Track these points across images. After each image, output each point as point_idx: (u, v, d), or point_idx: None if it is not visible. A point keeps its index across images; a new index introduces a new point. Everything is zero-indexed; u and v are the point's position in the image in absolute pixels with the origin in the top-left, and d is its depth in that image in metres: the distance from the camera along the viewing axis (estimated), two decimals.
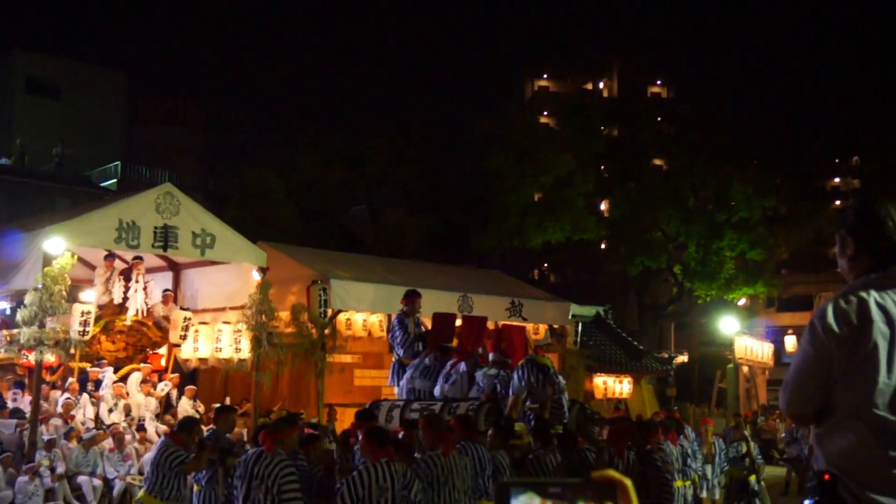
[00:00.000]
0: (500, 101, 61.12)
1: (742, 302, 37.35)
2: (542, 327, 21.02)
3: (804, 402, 3.16)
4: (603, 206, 39.28)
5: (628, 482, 1.41)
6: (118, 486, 14.16)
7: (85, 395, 15.95)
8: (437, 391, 11.09)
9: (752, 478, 12.54)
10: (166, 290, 17.89)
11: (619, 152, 35.24)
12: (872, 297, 2.97)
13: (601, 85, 68.93)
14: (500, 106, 57.39)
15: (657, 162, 38.74)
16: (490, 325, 12.82)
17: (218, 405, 12.08)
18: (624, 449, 8.90)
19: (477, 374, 10.79)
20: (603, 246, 39.24)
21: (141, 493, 8.59)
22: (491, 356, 11.02)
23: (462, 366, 11.07)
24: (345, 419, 15.96)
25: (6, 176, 33.20)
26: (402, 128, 33.97)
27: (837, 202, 59.63)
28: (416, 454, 7.70)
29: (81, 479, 14.03)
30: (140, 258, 16.73)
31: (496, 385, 10.46)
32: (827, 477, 3.03)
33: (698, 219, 32.66)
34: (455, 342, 11.81)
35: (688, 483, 11.10)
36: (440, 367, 11.29)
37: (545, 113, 58.38)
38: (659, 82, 68.72)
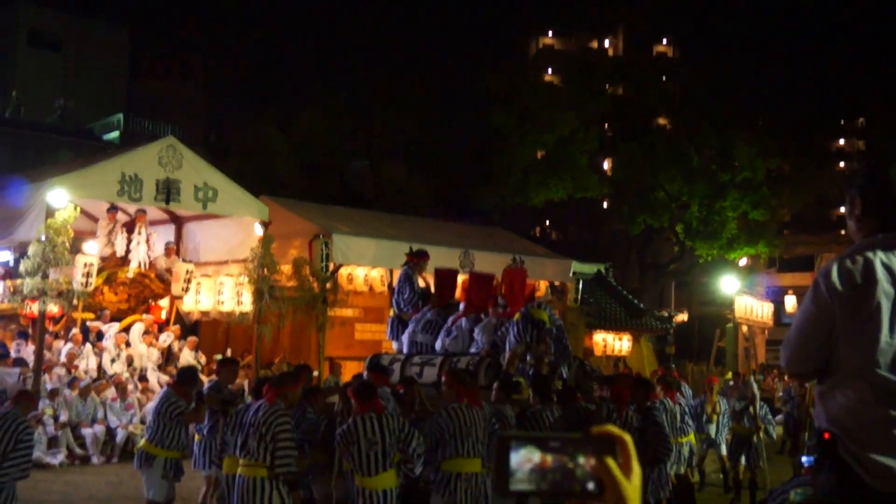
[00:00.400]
0: (505, 59, 60.63)
1: (743, 262, 37.37)
2: (544, 284, 21.07)
3: (804, 360, 3.18)
4: (606, 165, 39.18)
5: (628, 437, 1.41)
6: (120, 435, 14.32)
7: (88, 346, 16.06)
8: (437, 346, 11.15)
9: (756, 436, 12.51)
10: (169, 242, 17.92)
11: (623, 111, 35.05)
12: (878, 257, 2.97)
13: (606, 43, 68.37)
14: (504, 63, 56.97)
15: (661, 121, 38.54)
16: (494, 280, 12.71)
17: (221, 357, 12.18)
18: (624, 406, 8.96)
19: (476, 329, 10.82)
20: (605, 204, 39.22)
21: (142, 441, 8.66)
22: (491, 311, 11.03)
23: (463, 321, 11.12)
24: (346, 373, 16.06)
25: (9, 128, 33.09)
26: (404, 83, 33.75)
27: (842, 163, 59.52)
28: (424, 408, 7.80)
29: (85, 430, 14.18)
30: (143, 211, 16.75)
31: (495, 340, 10.50)
32: (827, 436, 3.05)
33: (701, 178, 32.55)
34: (462, 297, 11.81)
35: (684, 440, 11.18)
36: (442, 322, 11.33)
37: (549, 71, 57.98)
38: (665, 41, 68.14)
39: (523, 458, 1.38)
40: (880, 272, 2.94)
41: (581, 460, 1.38)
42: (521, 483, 1.38)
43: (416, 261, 12.14)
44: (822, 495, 3.12)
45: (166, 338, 17.29)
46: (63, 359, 15.34)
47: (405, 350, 11.45)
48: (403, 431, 7.19)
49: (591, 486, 1.37)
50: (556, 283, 21.76)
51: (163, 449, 8.12)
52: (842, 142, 65.32)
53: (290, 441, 7.05)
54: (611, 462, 1.38)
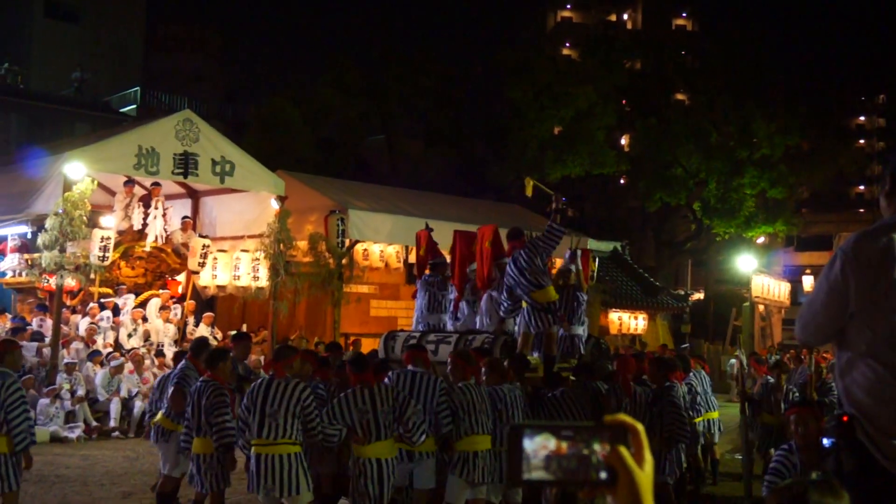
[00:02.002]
0: (522, 32, 60.24)
1: (761, 240, 37.19)
2: (558, 261, 21.01)
3: (815, 332, 3.20)
4: (623, 141, 38.96)
5: (640, 427, 1.40)
6: (137, 408, 14.41)
7: (105, 320, 16.14)
8: (450, 325, 11.16)
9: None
10: (185, 217, 17.96)
11: (642, 86, 34.83)
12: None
13: (625, 16, 67.77)
14: (521, 37, 56.58)
15: (679, 97, 38.26)
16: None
17: (234, 332, 12.20)
18: (630, 384, 9.00)
19: (482, 304, 10.78)
20: (622, 181, 39.02)
21: (159, 415, 8.69)
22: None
23: (463, 305, 11.12)
24: (364, 349, 16.11)
25: (26, 100, 33.17)
26: (421, 58, 33.60)
27: (861, 141, 58.99)
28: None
29: (113, 400, 14.29)
30: (158, 184, 16.76)
31: (502, 318, 10.48)
32: (846, 418, 3.04)
33: (719, 155, 32.36)
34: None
35: (697, 420, 11.11)
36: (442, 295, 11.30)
37: (567, 45, 57.59)
38: (684, 14, 67.51)
39: (539, 445, 1.37)
40: None
41: (597, 447, 1.37)
42: (535, 471, 1.37)
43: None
44: (841, 478, 3.13)
45: (176, 310, 17.30)
46: (81, 333, 15.43)
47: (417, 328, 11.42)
48: (397, 402, 7.25)
49: (603, 475, 1.37)
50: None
51: (174, 423, 8.14)
52: (862, 119, 64.75)
53: (317, 410, 7.14)
54: (624, 451, 1.37)
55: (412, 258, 20.10)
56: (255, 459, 6.92)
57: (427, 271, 11.59)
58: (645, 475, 1.38)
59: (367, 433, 7.19)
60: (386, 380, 7.73)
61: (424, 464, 7.65)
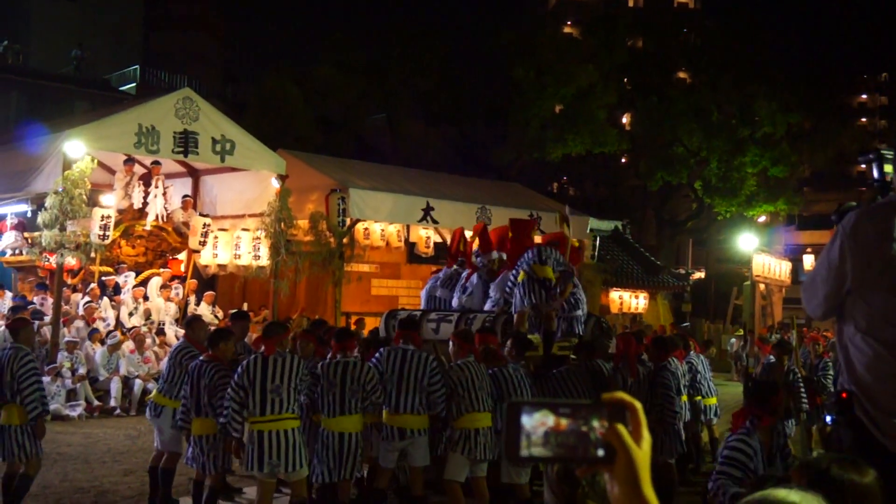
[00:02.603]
0: (524, 11, 59.97)
1: (762, 219, 37.16)
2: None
3: (817, 307, 3.27)
4: (624, 120, 38.85)
5: (638, 405, 1.40)
6: (137, 386, 14.46)
7: (105, 299, 16.17)
8: (454, 302, 11.18)
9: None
10: (186, 195, 17.94)
11: (643, 64, 34.67)
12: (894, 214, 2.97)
13: None
14: (523, 15, 56.34)
15: (681, 75, 38.11)
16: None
17: (235, 311, 12.19)
18: (635, 364, 9.05)
19: (491, 286, 10.83)
20: (623, 160, 38.96)
21: (154, 392, 8.72)
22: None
23: (475, 277, 11.13)
24: (365, 329, 16.14)
25: (25, 78, 33.07)
26: (423, 37, 33.46)
27: (863, 119, 58.82)
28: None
29: (113, 379, 14.34)
30: (158, 162, 16.71)
31: (507, 297, 10.50)
32: (845, 395, 3.06)
33: (721, 134, 32.27)
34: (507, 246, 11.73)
35: (698, 398, 11.11)
36: (458, 278, 11.36)
37: (569, 23, 57.34)
38: None
39: (538, 422, 1.38)
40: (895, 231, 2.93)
41: (595, 424, 1.37)
42: (534, 448, 1.37)
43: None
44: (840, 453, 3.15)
45: (177, 289, 17.33)
46: (81, 312, 15.45)
47: (423, 305, 11.46)
48: (366, 379, 7.33)
49: (601, 452, 1.37)
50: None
51: (172, 399, 8.14)
52: (864, 97, 64.55)
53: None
54: (622, 429, 1.38)
55: (413, 237, 20.18)
56: (258, 436, 6.88)
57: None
58: (643, 453, 1.39)
59: (332, 406, 7.38)
60: (376, 356, 7.80)
61: (418, 441, 7.68)
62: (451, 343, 8.02)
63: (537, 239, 11.86)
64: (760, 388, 6.21)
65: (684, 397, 10.18)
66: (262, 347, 7.13)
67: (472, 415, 7.60)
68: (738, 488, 4.93)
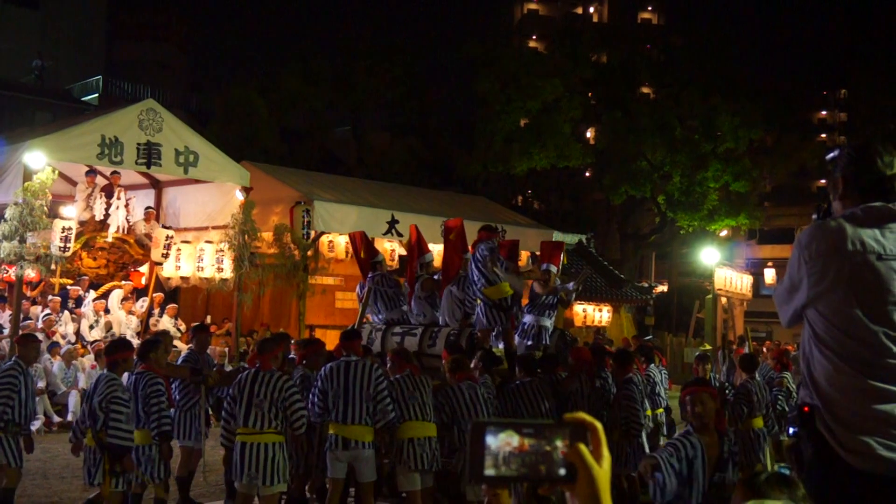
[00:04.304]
0: (489, 24, 60.30)
1: (724, 233, 37.56)
2: (525, 254, 21.09)
3: (784, 316, 3.29)
4: (589, 134, 39.15)
5: (599, 424, 1.43)
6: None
7: (66, 312, 15.95)
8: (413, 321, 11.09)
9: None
10: (148, 207, 17.77)
11: (608, 79, 34.97)
12: (850, 227, 3.02)
13: (591, 9, 68.07)
14: (488, 29, 56.66)
15: (645, 90, 38.49)
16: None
17: (195, 325, 12.10)
18: (592, 375, 9.13)
19: (443, 300, 10.76)
20: (587, 174, 39.20)
21: None
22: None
23: (414, 303, 11.01)
24: (327, 341, 16.05)
25: None
26: (389, 49, 33.50)
27: (823, 135, 59.71)
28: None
29: (71, 393, 14.13)
30: (118, 172, 16.52)
31: (467, 311, 10.49)
32: (806, 409, 3.09)
33: (684, 148, 32.60)
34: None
35: (659, 411, 11.20)
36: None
37: (534, 37, 57.75)
38: (650, 8, 67.91)
39: (502, 442, 1.39)
40: (850, 242, 2.98)
41: (559, 443, 1.40)
42: (498, 468, 1.39)
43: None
44: (801, 468, 3.20)
45: (142, 303, 17.18)
46: (40, 325, 15.23)
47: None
48: (286, 390, 7.25)
49: (562, 472, 1.39)
50: (538, 254, 21.75)
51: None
52: (824, 113, 65.51)
53: (301, 402, 7.31)
54: (583, 448, 1.40)
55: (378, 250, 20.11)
56: (240, 447, 7.06)
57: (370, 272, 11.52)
58: (603, 472, 1.41)
59: (338, 411, 7.53)
60: (321, 372, 7.83)
61: (363, 455, 7.65)
62: (388, 360, 8.24)
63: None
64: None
65: (648, 410, 10.25)
66: (258, 363, 7.29)
67: (406, 424, 7.71)
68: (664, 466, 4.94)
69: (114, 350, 7.41)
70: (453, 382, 8.06)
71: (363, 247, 11.69)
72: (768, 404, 10.28)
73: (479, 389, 8.07)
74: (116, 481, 7.09)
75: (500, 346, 10.15)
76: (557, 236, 23.31)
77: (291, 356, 9.40)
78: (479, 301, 10.18)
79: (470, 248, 10.64)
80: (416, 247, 11.45)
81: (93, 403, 7.04)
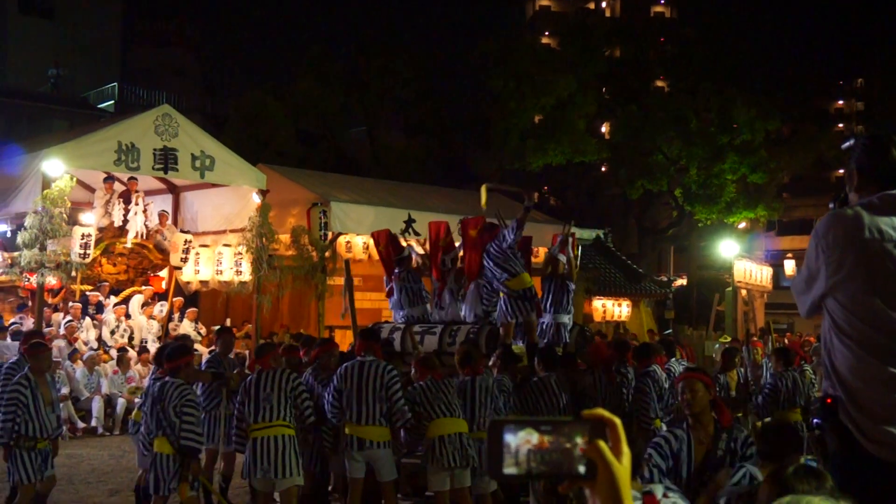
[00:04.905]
0: (501, 22, 60.23)
1: (742, 225, 37.35)
2: (542, 251, 21.05)
3: (802, 307, 3.28)
4: (604, 129, 38.97)
5: (617, 420, 1.42)
6: (120, 405, 14.36)
7: (87, 318, 16.06)
8: (435, 317, 11.15)
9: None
10: (162, 210, 17.86)
11: (621, 73, 34.82)
12: (867, 215, 3.00)
13: (603, 4, 67.76)
14: (500, 26, 56.62)
15: (659, 83, 38.29)
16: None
17: (218, 327, 12.15)
18: (602, 371, 9.11)
19: (462, 306, 10.80)
20: (603, 169, 39.07)
21: (136, 411, 8.77)
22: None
23: (446, 294, 11.09)
24: (345, 341, 16.09)
25: (2, 98, 32.86)
26: (401, 49, 33.49)
27: (840, 125, 59.28)
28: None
29: (94, 399, 14.22)
30: (135, 178, 16.63)
31: (486, 308, 10.53)
32: (829, 400, 3.07)
33: (700, 141, 32.41)
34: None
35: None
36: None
37: (546, 33, 57.51)
38: (662, 1, 67.57)
39: (522, 440, 1.40)
40: (867, 231, 2.97)
41: (578, 440, 1.39)
42: (518, 466, 1.39)
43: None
44: (825, 460, 3.18)
45: (161, 307, 17.26)
46: (62, 331, 15.34)
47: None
48: (293, 381, 7.39)
49: (582, 469, 1.39)
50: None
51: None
52: (840, 103, 65.03)
53: (307, 393, 7.49)
54: (602, 445, 1.40)
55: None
56: (252, 444, 7.14)
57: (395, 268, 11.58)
58: (623, 468, 1.40)
59: (351, 410, 7.57)
60: (338, 371, 7.85)
61: (380, 455, 7.67)
62: (412, 368, 8.21)
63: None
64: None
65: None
66: (258, 366, 7.44)
67: (435, 422, 7.67)
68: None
69: (174, 356, 7.38)
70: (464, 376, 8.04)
71: (388, 245, 11.74)
72: (807, 397, 10.16)
73: (487, 381, 8.02)
74: (190, 485, 7.15)
75: (520, 343, 10.14)
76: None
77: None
78: (501, 294, 10.20)
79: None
80: (441, 242, 11.48)
81: (167, 410, 7.00)
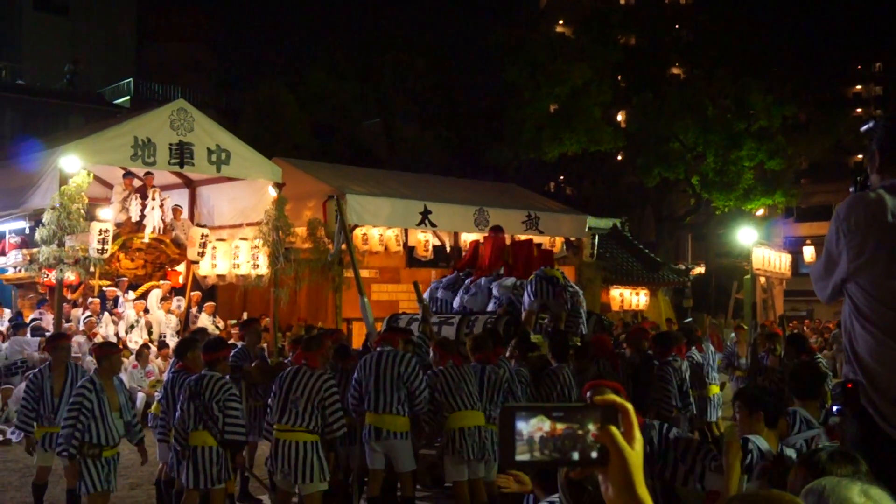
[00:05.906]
0: (516, 11, 60.00)
1: (760, 212, 37.14)
2: (559, 240, 21.02)
3: (821, 289, 3.26)
4: (620, 117, 38.82)
5: (629, 406, 1.42)
6: (140, 399, 14.44)
7: (106, 314, 16.15)
8: (455, 303, 11.24)
9: None
10: (176, 205, 17.93)
11: (637, 61, 34.67)
12: (889, 198, 2.97)
13: None
14: (515, 15, 56.37)
15: (675, 71, 38.10)
16: (507, 239, 12.85)
17: (243, 320, 12.21)
18: (611, 361, 9.12)
19: (493, 287, 10.89)
20: (620, 157, 38.94)
21: (154, 404, 8.82)
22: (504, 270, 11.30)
23: (482, 280, 11.20)
24: (361, 334, 16.11)
25: (18, 95, 33.06)
26: (415, 39, 33.46)
27: (858, 109, 58.83)
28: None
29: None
30: (151, 173, 16.70)
31: (511, 298, 10.58)
32: (850, 385, 3.05)
33: (717, 128, 32.25)
34: (484, 259, 11.90)
35: (714, 389, 11.46)
36: (463, 282, 11.48)
37: (561, 22, 57.30)
38: None
39: (534, 427, 1.40)
40: (889, 215, 2.94)
41: (591, 426, 1.39)
42: (530, 453, 1.39)
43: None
44: (846, 444, 3.17)
45: (179, 302, 17.34)
46: (82, 327, 15.43)
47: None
48: (325, 391, 7.28)
49: (594, 454, 1.39)
50: (572, 239, 21.70)
51: None
52: (858, 87, 64.54)
53: (338, 401, 7.36)
54: (615, 430, 1.39)
55: (411, 241, 20.16)
56: (275, 443, 7.20)
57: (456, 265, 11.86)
58: (635, 454, 1.40)
59: (370, 399, 7.66)
60: (360, 362, 7.94)
61: (398, 445, 7.68)
62: (431, 352, 8.20)
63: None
64: None
65: (693, 392, 10.23)
66: (304, 360, 7.39)
67: (454, 415, 7.68)
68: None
69: (212, 349, 7.36)
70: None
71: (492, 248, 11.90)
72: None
73: (498, 372, 8.02)
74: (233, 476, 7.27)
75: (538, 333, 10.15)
76: (591, 221, 23.20)
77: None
78: (531, 277, 10.34)
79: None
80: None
81: (209, 405, 7.01)
